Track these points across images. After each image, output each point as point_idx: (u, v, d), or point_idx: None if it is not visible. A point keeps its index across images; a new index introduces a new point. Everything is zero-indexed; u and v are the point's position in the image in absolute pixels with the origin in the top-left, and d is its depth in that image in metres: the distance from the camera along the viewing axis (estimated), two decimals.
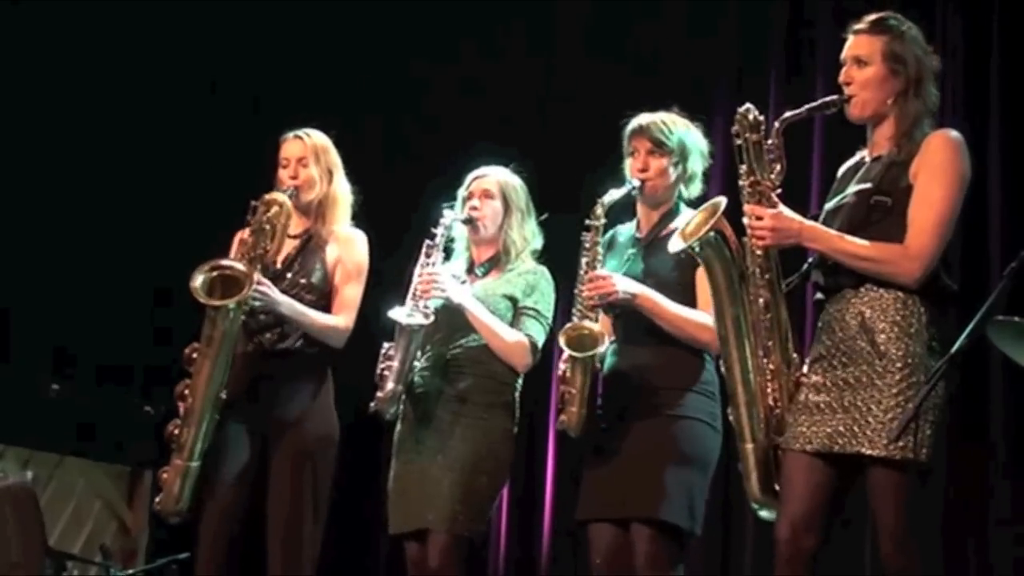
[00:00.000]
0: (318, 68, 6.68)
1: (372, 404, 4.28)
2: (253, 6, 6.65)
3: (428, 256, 4.31)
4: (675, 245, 3.67)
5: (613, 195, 4.05)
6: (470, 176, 4.48)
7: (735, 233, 3.56)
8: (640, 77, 5.78)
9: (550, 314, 4.39)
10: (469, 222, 4.41)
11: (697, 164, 4.11)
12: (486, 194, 4.42)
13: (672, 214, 4.07)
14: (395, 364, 4.24)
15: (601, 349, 4.00)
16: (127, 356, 6.44)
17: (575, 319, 4.03)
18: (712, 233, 3.52)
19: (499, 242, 4.43)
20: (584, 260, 4.06)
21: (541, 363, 4.54)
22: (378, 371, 4.29)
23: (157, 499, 4.33)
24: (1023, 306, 3.26)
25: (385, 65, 6.60)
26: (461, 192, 4.46)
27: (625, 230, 4.21)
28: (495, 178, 4.45)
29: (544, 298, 4.37)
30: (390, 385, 4.24)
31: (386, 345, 4.29)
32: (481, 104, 6.34)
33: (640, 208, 4.15)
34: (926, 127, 3.45)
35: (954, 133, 3.44)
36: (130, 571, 5.91)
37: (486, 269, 4.45)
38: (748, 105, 3.52)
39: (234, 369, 4.29)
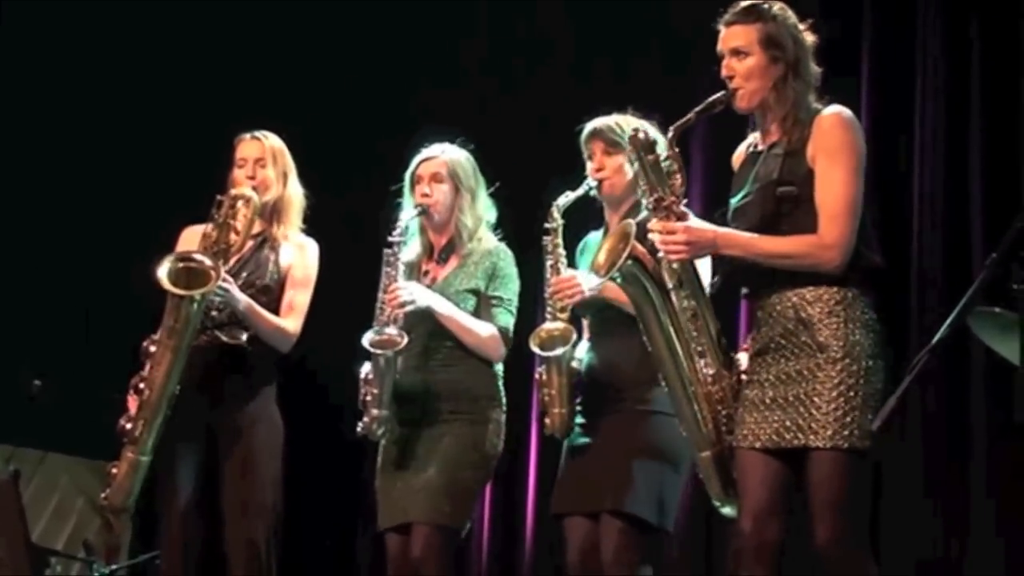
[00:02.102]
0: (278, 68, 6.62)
1: (359, 428, 4.25)
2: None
3: (390, 267, 4.25)
4: (591, 281, 3.69)
5: (568, 196, 4.10)
6: (416, 158, 4.40)
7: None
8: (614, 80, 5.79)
9: (516, 295, 4.35)
10: (423, 213, 4.35)
11: None
12: (435, 178, 4.35)
13: (636, 209, 4.03)
14: (375, 390, 4.20)
15: (569, 347, 4.01)
16: (109, 351, 6.41)
17: (548, 319, 4.06)
18: (629, 262, 3.46)
19: (452, 226, 4.37)
20: (548, 263, 4.10)
21: (522, 362, 4.52)
22: (360, 397, 4.25)
23: (104, 494, 4.30)
24: (1005, 296, 3.26)
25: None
26: (407, 175, 4.39)
27: (595, 236, 4.23)
28: (442, 159, 4.36)
29: (507, 281, 4.32)
30: (375, 411, 4.21)
31: (365, 369, 4.25)
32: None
33: (607, 212, 4.18)
34: (812, 104, 3.45)
35: (843, 111, 3.43)
36: (113, 567, 5.88)
37: (446, 254, 4.40)
38: (636, 127, 3.60)
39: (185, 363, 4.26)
